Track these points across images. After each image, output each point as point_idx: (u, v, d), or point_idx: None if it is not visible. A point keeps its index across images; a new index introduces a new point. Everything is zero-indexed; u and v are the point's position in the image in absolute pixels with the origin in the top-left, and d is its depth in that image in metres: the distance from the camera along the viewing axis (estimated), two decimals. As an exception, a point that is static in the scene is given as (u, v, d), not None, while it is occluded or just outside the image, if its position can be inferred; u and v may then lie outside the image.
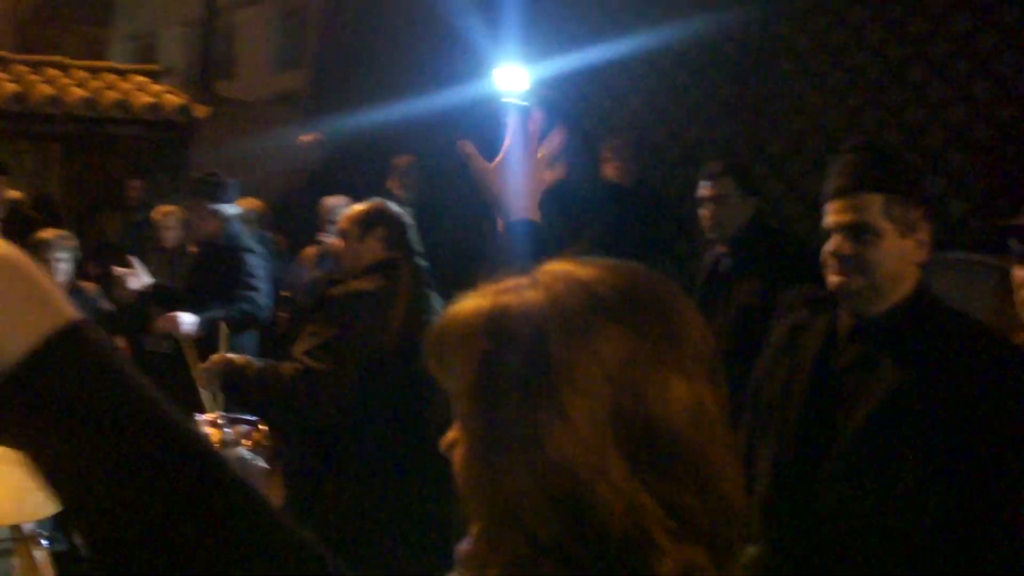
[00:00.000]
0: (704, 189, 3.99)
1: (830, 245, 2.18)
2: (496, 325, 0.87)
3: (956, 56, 5.49)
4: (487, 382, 0.86)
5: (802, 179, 5.89)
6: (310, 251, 5.98)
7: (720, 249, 3.98)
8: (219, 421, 2.86)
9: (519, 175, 1.92)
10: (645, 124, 6.37)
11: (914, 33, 5.66)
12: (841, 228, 2.16)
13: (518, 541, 0.83)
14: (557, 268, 0.91)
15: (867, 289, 2.15)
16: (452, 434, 0.92)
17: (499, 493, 0.84)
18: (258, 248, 5.20)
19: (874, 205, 2.11)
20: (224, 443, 2.76)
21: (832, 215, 2.18)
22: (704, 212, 3.97)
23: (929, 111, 5.60)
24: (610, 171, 5.85)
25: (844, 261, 2.15)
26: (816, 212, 2.29)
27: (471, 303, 0.90)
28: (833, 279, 2.20)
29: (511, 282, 0.91)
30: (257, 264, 4.99)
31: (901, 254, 2.13)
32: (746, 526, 0.89)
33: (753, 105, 6.34)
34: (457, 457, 0.90)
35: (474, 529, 0.88)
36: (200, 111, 9.75)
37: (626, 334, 0.86)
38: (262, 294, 4.92)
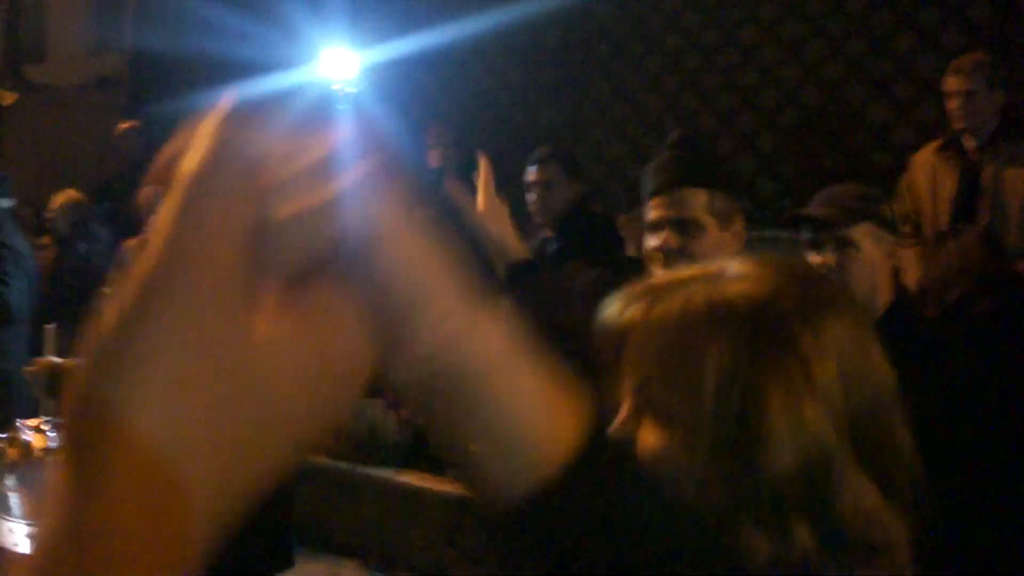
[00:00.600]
0: (530, 174, 4.11)
1: (655, 240, 2.25)
2: (731, 312, 0.89)
3: (764, 43, 5.80)
4: (740, 368, 0.87)
5: (623, 163, 6.10)
6: (132, 243, 5.82)
7: (546, 233, 4.11)
8: (42, 427, 2.78)
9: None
10: (470, 110, 6.46)
11: (728, 19, 5.94)
12: (667, 223, 2.24)
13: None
14: (753, 263, 0.95)
15: None
16: (623, 427, 0.94)
17: (761, 479, 0.85)
18: (21, 243, 5.04)
19: (697, 200, 2.22)
20: (48, 450, 2.67)
21: (656, 210, 2.26)
22: (531, 197, 4.09)
23: (740, 95, 5.89)
24: (433, 158, 5.94)
25: (670, 255, 2.22)
26: (637, 195, 2.40)
27: (681, 291, 0.92)
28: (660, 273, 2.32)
29: (700, 276, 0.95)
30: (12, 260, 4.85)
31: (720, 246, 2.23)
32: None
33: (576, 90, 6.52)
34: (657, 448, 0.91)
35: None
36: (7, 98, 9.32)
37: (843, 321, 0.92)
38: (12, 291, 4.78)
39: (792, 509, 0.85)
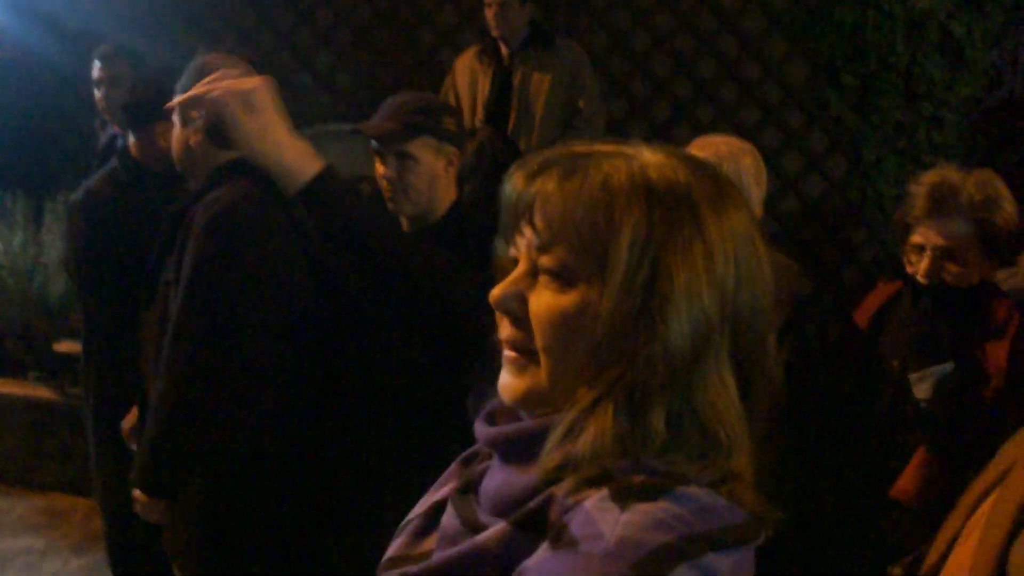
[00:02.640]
0: (97, 71, 4.01)
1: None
2: (649, 190, 0.93)
3: None
4: (652, 242, 0.92)
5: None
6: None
7: (115, 129, 4.07)
8: None
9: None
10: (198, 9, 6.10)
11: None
12: None
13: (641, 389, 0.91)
14: (663, 152, 0.99)
15: None
16: (517, 286, 0.98)
17: (652, 347, 0.90)
18: None
19: None
20: None
21: None
22: (98, 93, 4.02)
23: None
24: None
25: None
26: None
27: (600, 169, 0.95)
28: None
29: (614, 153, 0.98)
30: None
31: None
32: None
33: None
34: (553, 307, 0.95)
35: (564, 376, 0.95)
36: None
37: (742, 216, 0.97)
38: None
39: (659, 388, 0.90)
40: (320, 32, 6.02)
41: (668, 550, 0.82)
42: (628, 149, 0.99)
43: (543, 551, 0.87)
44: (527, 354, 0.98)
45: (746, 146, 2.66)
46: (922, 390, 2.52)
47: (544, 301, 0.96)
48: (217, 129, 1.66)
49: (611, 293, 0.91)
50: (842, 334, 2.68)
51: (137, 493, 2.54)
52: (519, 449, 0.98)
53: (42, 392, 4.88)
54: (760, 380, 0.96)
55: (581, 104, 4.77)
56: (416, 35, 5.88)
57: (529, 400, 0.98)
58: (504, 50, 4.81)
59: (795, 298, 2.52)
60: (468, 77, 4.88)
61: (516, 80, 4.76)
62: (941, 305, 2.52)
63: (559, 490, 0.89)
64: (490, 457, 1.07)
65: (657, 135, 5.46)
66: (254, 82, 1.67)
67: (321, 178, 1.69)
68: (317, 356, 2.58)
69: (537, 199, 0.97)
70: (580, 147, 1.00)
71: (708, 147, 2.61)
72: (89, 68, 4.01)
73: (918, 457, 2.45)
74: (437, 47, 5.82)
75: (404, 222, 2.60)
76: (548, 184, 0.96)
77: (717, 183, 0.97)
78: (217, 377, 2.43)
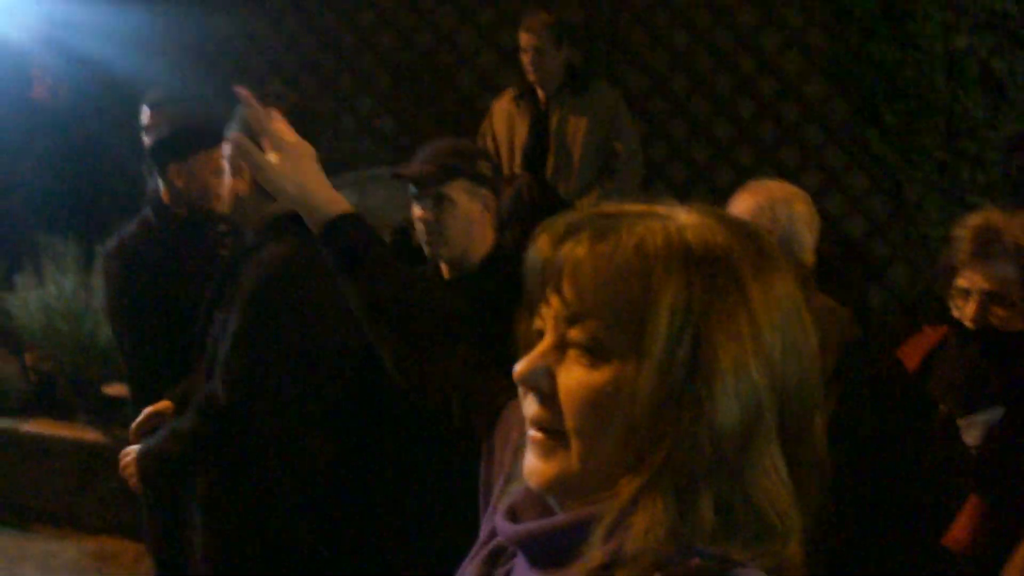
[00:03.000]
0: (147, 118, 4.10)
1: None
2: (688, 256, 0.85)
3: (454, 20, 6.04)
4: (693, 313, 0.83)
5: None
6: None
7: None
8: None
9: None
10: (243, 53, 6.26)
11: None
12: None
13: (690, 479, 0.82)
14: (699, 212, 0.91)
15: None
16: (544, 361, 0.89)
17: (700, 430, 0.82)
18: None
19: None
20: None
21: None
22: (147, 140, 4.11)
23: (359, 39, 6.11)
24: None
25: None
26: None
27: (634, 232, 0.87)
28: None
29: (648, 213, 0.90)
30: None
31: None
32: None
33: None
34: (585, 384, 0.86)
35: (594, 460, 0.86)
36: None
37: (787, 281, 0.88)
38: None
39: (710, 474, 0.82)
40: (361, 77, 6.12)
41: None
42: (662, 209, 0.90)
43: None
44: (556, 435, 0.88)
45: (799, 192, 2.66)
46: (972, 436, 2.49)
47: (575, 378, 0.87)
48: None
49: (650, 369, 0.83)
50: (891, 379, 2.66)
51: (131, 469, 2.60)
52: (551, 549, 0.89)
53: (91, 434, 4.94)
54: (809, 458, 0.88)
55: (619, 148, 4.79)
56: (456, 78, 5.96)
57: (559, 487, 0.88)
58: (541, 94, 4.85)
59: (844, 344, 2.51)
60: (505, 121, 4.93)
61: (553, 124, 4.80)
62: (989, 349, 2.50)
63: None
64: (515, 555, 0.97)
65: (697, 178, 5.48)
66: (280, 123, 1.62)
67: (345, 219, 1.59)
68: (358, 401, 2.62)
69: (566, 266, 0.87)
70: (610, 208, 0.92)
71: (760, 192, 2.62)
72: (138, 113, 4.09)
73: (970, 505, 2.42)
74: (477, 90, 5.89)
75: (443, 267, 2.65)
76: (578, 249, 0.87)
77: (759, 245, 0.88)
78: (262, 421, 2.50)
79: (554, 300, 0.89)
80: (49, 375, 5.20)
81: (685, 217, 0.89)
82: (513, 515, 0.96)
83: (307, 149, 1.60)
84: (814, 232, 2.65)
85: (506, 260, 2.63)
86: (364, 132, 6.10)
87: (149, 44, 6.50)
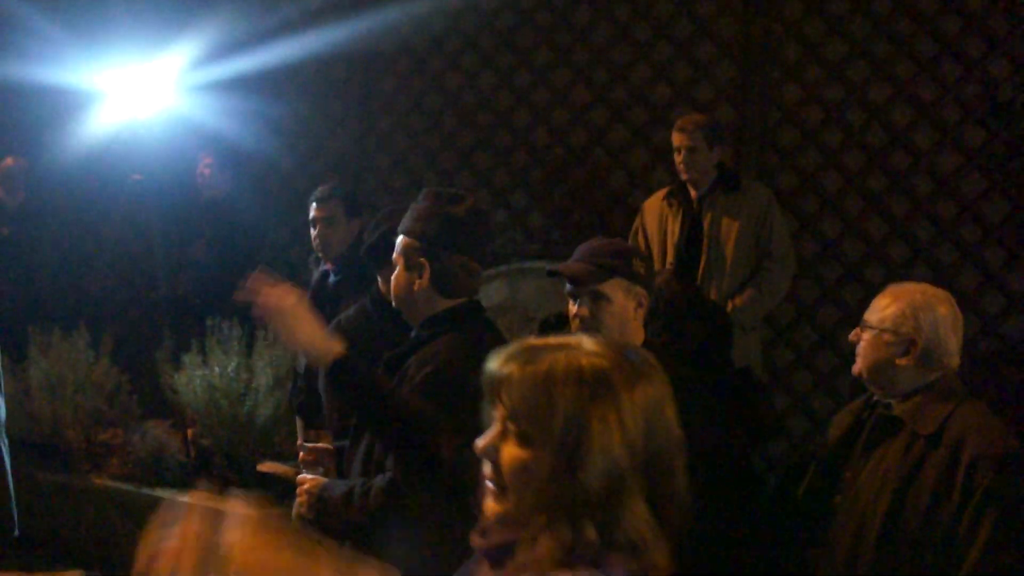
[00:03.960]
0: (313, 211, 4.35)
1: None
2: (580, 377, 1.31)
3: (537, 86, 6.26)
4: (579, 414, 1.29)
5: (407, 192, 6.40)
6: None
7: (327, 265, 4.36)
8: None
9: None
10: (261, 137, 6.62)
11: (504, 65, 6.36)
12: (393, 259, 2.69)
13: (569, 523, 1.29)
14: (599, 343, 1.38)
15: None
16: (493, 441, 1.36)
17: (577, 488, 1.28)
18: None
19: (404, 245, 2.62)
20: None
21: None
22: (313, 232, 4.34)
23: (515, 134, 6.32)
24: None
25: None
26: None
27: (547, 359, 1.34)
28: None
29: (562, 345, 1.37)
30: None
31: (401, 281, 2.64)
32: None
33: (360, 122, 6.79)
34: (516, 458, 1.33)
35: (527, 518, 1.32)
36: None
37: (653, 389, 1.35)
38: None
39: (587, 514, 1.28)
40: (516, 172, 6.30)
41: None
42: (573, 341, 1.38)
43: None
44: (500, 487, 1.35)
45: (941, 294, 2.67)
46: None
47: (509, 453, 1.34)
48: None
49: (550, 452, 1.30)
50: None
51: (304, 500, 2.69)
52: (499, 556, 1.37)
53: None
54: (672, 500, 1.34)
55: (770, 245, 4.79)
56: (608, 175, 6.07)
57: (501, 519, 1.36)
58: (693, 193, 4.90)
59: (998, 457, 2.43)
60: (657, 220, 4.99)
61: (706, 223, 4.82)
62: None
63: None
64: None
65: (850, 276, 5.40)
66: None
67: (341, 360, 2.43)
68: None
69: (504, 380, 1.35)
70: (538, 341, 1.40)
71: (903, 296, 2.63)
72: (297, 204, 4.33)
73: None
74: (629, 187, 5.98)
75: None
76: (513, 369, 1.35)
77: (634, 365, 1.35)
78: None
79: (498, 402, 1.36)
80: (208, 450, 5.44)
81: (588, 347, 1.36)
82: (483, 534, 1.42)
83: (306, 309, 2.49)
84: (959, 333, 2.64)
85: (655, 355, 2.68)
86: (517, 226, 6.26)
87: (312, 139, 6.89)
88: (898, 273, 5.17)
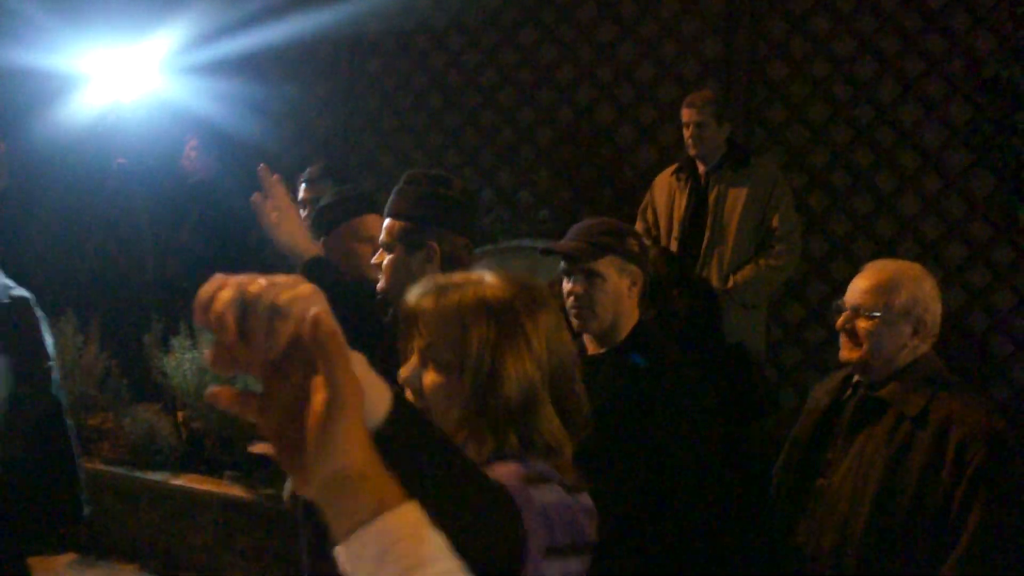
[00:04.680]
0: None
1: (375, 258, 2.68)
2: (488, 307, 1.51)
3: (522, 64, 6.25)
4: (489, 340, 1.49)
5: (392, 173, 6.39)
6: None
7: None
8: None
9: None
10: (246, 119, 6.59)
11: (488, 42, 6.35)
12: (381, 244, 2.64)
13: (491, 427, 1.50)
14: (498, 277, 1.57)
15: (388, 292, 2.69)
16: (413, 371, 1.55)
17: (498, 403, 1.49)
18: None
19: (392, 228, 2.60)
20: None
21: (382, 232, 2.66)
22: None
23: (501, 113, 6.32)
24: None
25: (382, 266, 2.65)
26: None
27: (456, 294, 1.53)
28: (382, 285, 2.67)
29: (468, 281, 1.56)
30: None
31: (404, 266, 2.58)
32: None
33: (347, 102, 6.78)
34: (436, 384, 1.53)
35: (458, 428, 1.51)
36: None
37: (550, 314, 1.56)
38: None
39: (510, 423, 1.49)
40: (502, 151, 6.30)
41: (526, 479, 1.44)
42: (476, 276, 1.57)
43: None
44: (426, 411, 1.51)
45: (920, 268, 2.71)
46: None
47: (430, 379, 1.54)
48: None
49: (468, 375, 1.50)
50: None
51: None
52: None
53: (235, 491, 5.14)
54: (572, 406, 1.56)
55: (774, 223, 4.79)
56: (596, 152, 6.07)
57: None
58: (701, 168, 4.91)
59: (986, 438, 2.44)
60: (666, 194, 4.99)
61: (712, 198, 4.83)
62: None
63: None
64: None
65: (837, 250, 5.43)
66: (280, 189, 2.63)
67: (316, 259, 2.66)
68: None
69: (421, 314, 1.54)
70: (445, 278, 1.58)
71: (900, 276, 2.66)
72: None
73: None
74: (617, 164, 5.99)
75: (588, 342, 2.73)
76: (427, 303, 1.54)
77: (532, 295, 1.56)
78: None
79: (416, 333, 1.55)
80: (199, 433, 5.45)
81: (489, 280, 1.55)
82: None
83: (295, 212, 2.67)
84: (938, 303, 2.69)
85: (646, 334, 2.73)
86: (504, 205, 6.27)
87: (298, 120, 6.87)
88: (885, 248, 5.20)
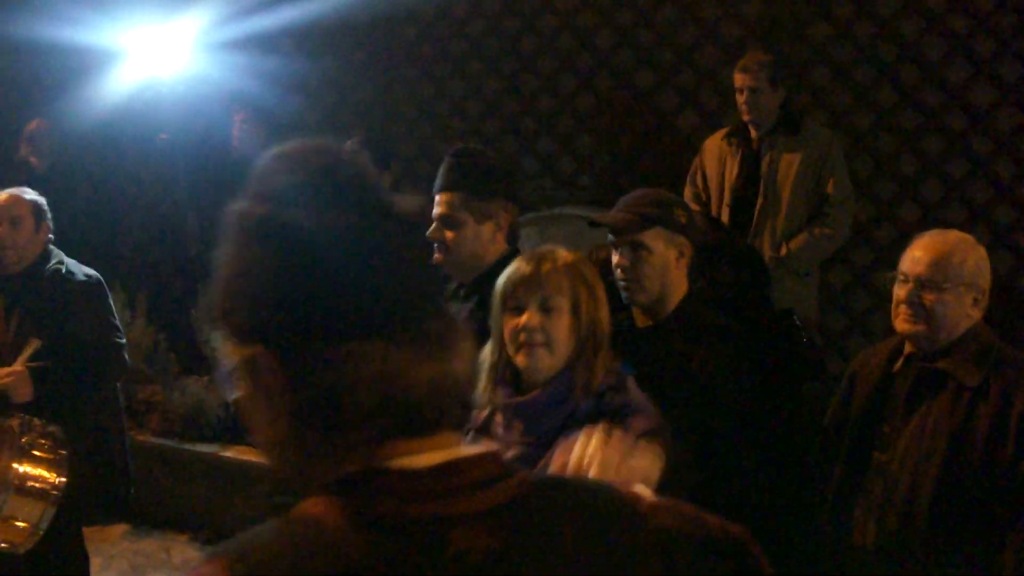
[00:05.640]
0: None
1: (432, 232, 2.74)
2: (576, 271, 2.27)
3: (561, 30, 6.19)
4: (582, 299, 2.21)
5: (431, 142, 6.38)
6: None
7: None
8: None
9: None
10: (285, 90, 6.59)
11: (528, 8, 6.28)
12: (438, 218, 2.74)
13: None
14: (571, 253, 2.30)
15: (452, 265, 2.77)
16: (542, 320, 2.17)
17: (595, 338, 2.20)
18: None
19: (455, 200, 2.71)
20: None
21: (435, 207, 2.76)
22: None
23: (541, 80, 6.27)
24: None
25: (439, 245, 2.73)
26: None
27: (550, 259, 2.24)
28: (438, 256, 2.71)
29: (556, 250, 2.30)
30: None
31: (477, 236, 2.72)
32: None
33: (385, 71, 6.75)
34: (563, 328, 2.18)
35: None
36: None
37: (599, 286, 2.30)
38: None
39: (597, 354, 2.20)
40: (542, 118, 6.26)
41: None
42: (555, 248, 2.25)
43: None
44: (545, 346, 2.19)
45: (974, 240, 2.70)
46: None
47: (556, 324, 2.18)
48: None
49: (568, 317, 2.19)
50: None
51: None
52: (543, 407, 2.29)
53: (284, 462, 5.19)
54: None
55: (830, 188, 4.71)
56: (633, 122, 6.01)
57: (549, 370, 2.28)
58: (753, 133, 4.83)
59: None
60: (716, 159, 4.92)
61: (764, 164, 4.76)
62: None
63: None
64: None
65: (884, 216, 5.35)
66: None
67: None
68: None
69: (544, 274, 2.17)
70: (544, 250, 2.24)
71: (945, 242, 2.65)
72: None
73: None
74: (657, 132, 5.93)
75: (637, 314, 2.72)
76: (546, 266, 2.18)
77: (589, 266, 2.26)
78: None
79: (534, 293, 2.17)
80: (246, 404, 5.50)
81: (565, 255, 2.22)
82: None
83: None
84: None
85: (695, 305, 2.72)
86: (545, 173, 6.23)
87: (336, 91, 6.87)
88: (932, 211, 5.12)
